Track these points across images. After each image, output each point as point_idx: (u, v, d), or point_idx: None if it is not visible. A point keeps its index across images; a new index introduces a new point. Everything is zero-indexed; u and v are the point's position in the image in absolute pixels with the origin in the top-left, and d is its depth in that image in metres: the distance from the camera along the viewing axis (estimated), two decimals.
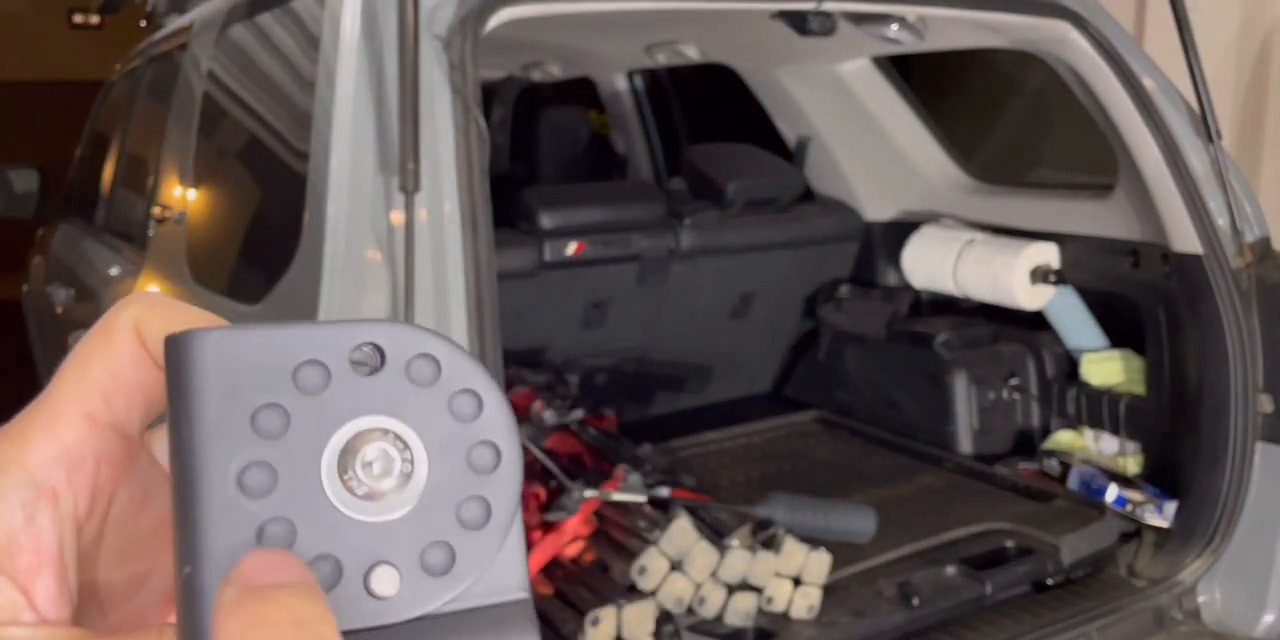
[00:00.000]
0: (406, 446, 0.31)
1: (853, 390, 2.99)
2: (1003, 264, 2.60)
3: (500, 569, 0.32)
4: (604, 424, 2.59)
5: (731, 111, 3.47)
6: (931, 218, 2.96)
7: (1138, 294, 2.39)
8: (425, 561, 0.31)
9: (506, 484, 0.32)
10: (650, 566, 1.90)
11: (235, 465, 0.30)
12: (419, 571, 0.31)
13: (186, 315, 0.35)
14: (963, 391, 2.69)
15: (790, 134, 3.26)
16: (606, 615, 1.81)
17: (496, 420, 0.32)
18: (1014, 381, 2.72)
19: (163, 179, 2.61)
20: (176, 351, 0.31)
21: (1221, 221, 2.18)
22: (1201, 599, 2.16)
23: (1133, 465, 2.44)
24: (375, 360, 0.32)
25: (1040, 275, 2.58)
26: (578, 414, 2.42)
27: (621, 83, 3.99)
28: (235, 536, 0.29)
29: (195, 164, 2.42)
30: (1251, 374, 2.12)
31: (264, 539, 0.30)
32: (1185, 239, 2.21)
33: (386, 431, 0.31)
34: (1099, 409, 2.52)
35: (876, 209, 3.14)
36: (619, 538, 2.04)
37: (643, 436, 2.52)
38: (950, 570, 2.08)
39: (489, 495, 0.32)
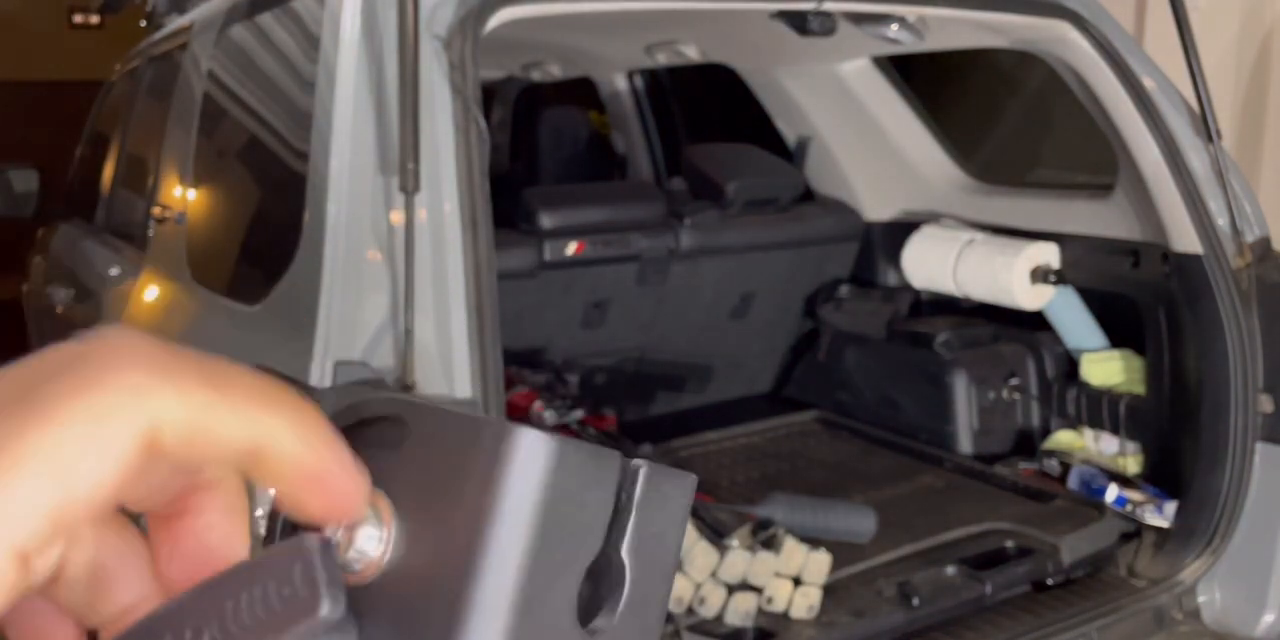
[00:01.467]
0: None
1: (853, 390, 2.99)
2: (1003, 264, 2.60)
3: None
4: (604, 424, 2.59)
5: (731, 111, 3.47)
6: (931, 218, 2.95)
7: (1138, 294, 2.39)
8: None
9: None
10: None
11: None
12: None
13: (215, 409, 0.28)
14: (963, 391, 2.69)
15: (790, 134, 3.25)
16: None
17: None
18: (1014, 381, 2.72)
19: (163, 179, 2.61)
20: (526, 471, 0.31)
21: (1221, 221, 2.18)
22: (1201, 599, 2.16)
23: (1133, 465, 2.44)
24: None
25: (1040, 275, 2.58)
26: (578, 414, 2.42)
27: (621, 83, 3.99)
28: None
29: (195, 164, 2.42)
30: (1251, 374, 2.11)
31: None
32: (1185, 239, 2.21)
33: None
34: (1099, 409, 2.52)
35: (876, 209, 3.14)
36: None
37: (643, 436, 2.52)
38: (950, 570, 2.08)
39: None
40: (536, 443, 0.31)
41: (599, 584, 0.33)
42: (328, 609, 0.29)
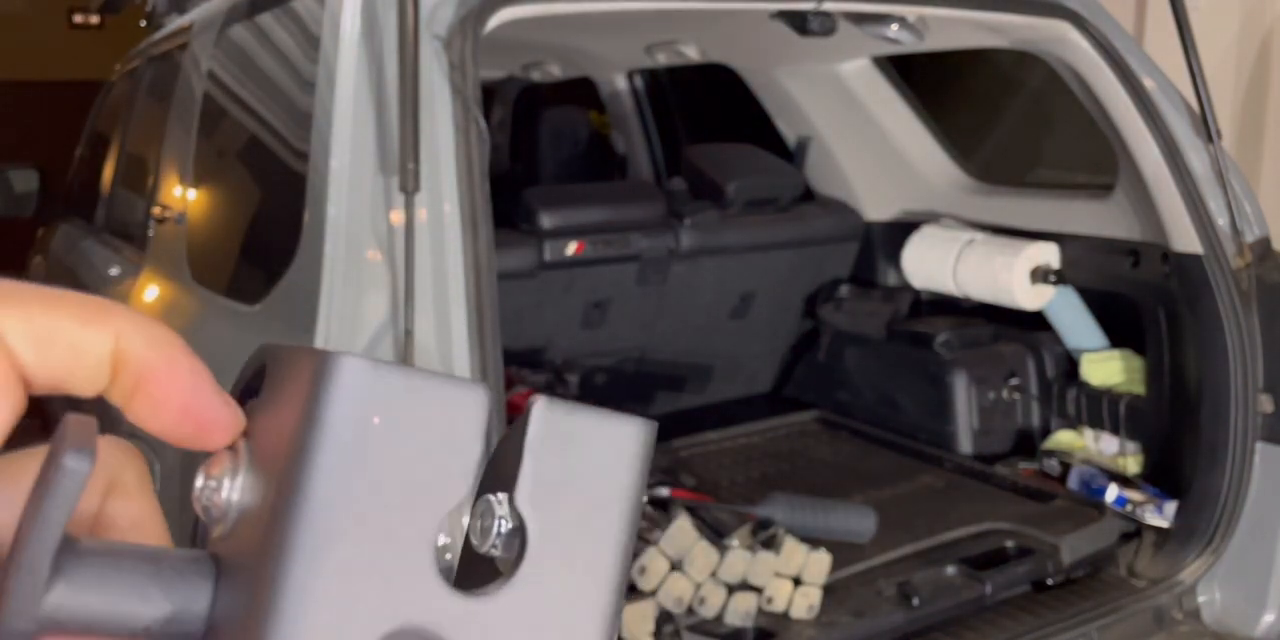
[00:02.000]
0: None
1: (853, 390, 2.99)
2: (1003, 264, 2.60)
3: None
4: None
5: (731, 111, 3.47)
6: (931, 218, 2.95)
7: (1138, 294, 2.39)
8: None
9: None
10: (650, 566, 1.90)
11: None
12: None
13: (58, 318, 0.31)
14: (963, 391, 2.69)
15: (790, 134, 3.26)
16: None
17: None
18: (1014, 381, 2.72)
19: (163, 179, 2.61)
20: None
21: (1221, 221, 2.18)
22: (1201, 599, 2.16)
23: (1133, 465, 2.44)
24: None
25: (1040, 275, 2.58)
26: None
27: (621, 83, 3.99)
28: None
29: (195, 164, 2.42)
30: (1251, 374, 2.11)
31: None
32: (1185, 239, 2.21)
33: None
34: (1099, 409, 2.52)
35: (876, 209, 3.14)
36: None
37: None
38: (950, 570, 2.08)
39: None
40: (353, 369, 0.27)
41: (507, 545, 0.29)
42: (71, 460, 0.26)
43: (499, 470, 0.30)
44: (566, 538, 0.29)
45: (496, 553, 0.29)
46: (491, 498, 0.29)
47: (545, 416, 0.29)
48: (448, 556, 0.28)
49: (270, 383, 0.31)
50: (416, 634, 0.27)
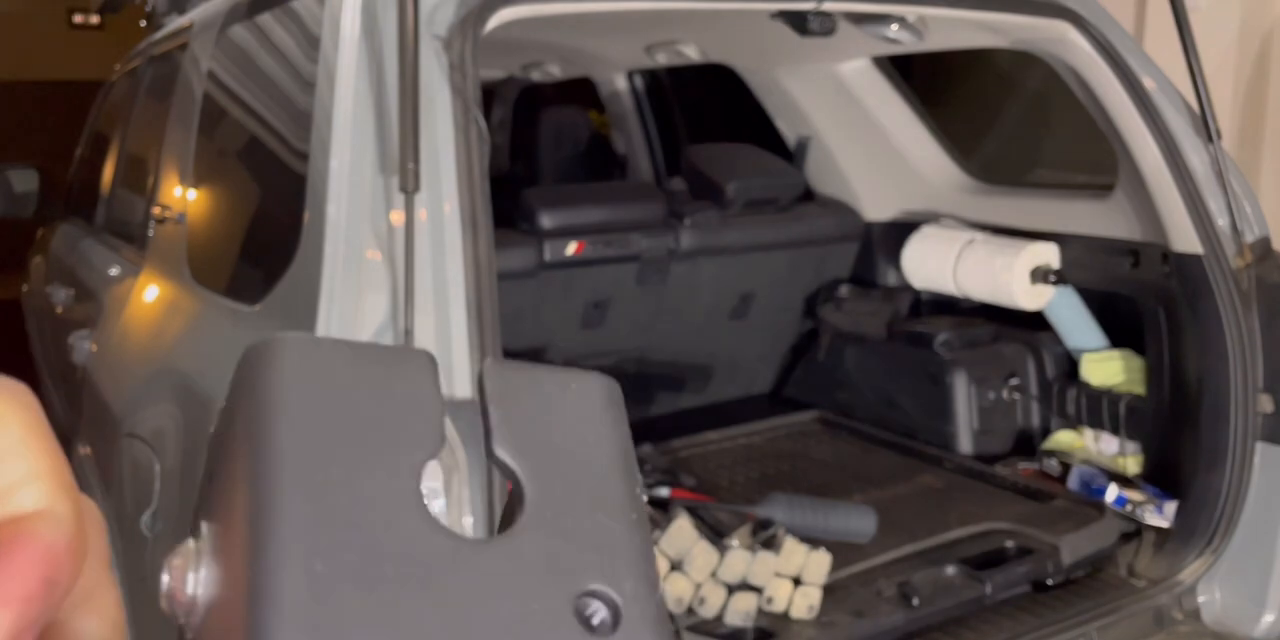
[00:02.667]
0: None
1: (853, 390, 2.99)
2: (1003, 264, 2.60)
3: None
4: None
5: (731, 111, 3.47)
6: (931, 218, 2.96)
7: (1138, 294, 2.39)
8: None
9: None
10: None
11: None
12: None
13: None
14: (963, 391, 2.69)
15: (790, 134, 3.26)
16: None
17: None
18: (1014, 381, 2.72)
19: (163, 179, 2.61)
20: None
21: (1221, 221, 2.18)
22: (1201, 599, 2.16)
23: (1133, 465, 2.44)
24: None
25: (1040, 275, 2.58)
26: None
27: (621, 83, 3.99)
28: None
29: (195, 164, 2.42)
30: (1251, 374, 2.11)
31: None
32: (1185, 239, 2.21)
33: None
34: (1099, 409, 2.52)
35: (876, 209, 3.14)
36: None
37: (643, 436, 2.52)
38: (950, 570, 2.08)
39: None
40: (285, 343, 0.27)
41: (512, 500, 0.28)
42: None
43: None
44: (564, 480, 0.28)
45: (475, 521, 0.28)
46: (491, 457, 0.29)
47: (497, 372, 0.29)
48: (439, 503, 0.28)
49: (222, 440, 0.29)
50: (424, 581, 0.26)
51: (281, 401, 0.26)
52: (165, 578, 0.29)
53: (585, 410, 0.30)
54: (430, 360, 0.29)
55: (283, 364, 0.27)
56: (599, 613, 0.26)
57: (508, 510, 0.28)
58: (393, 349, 0.29)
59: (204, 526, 0.29)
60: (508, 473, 0.28)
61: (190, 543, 0.29)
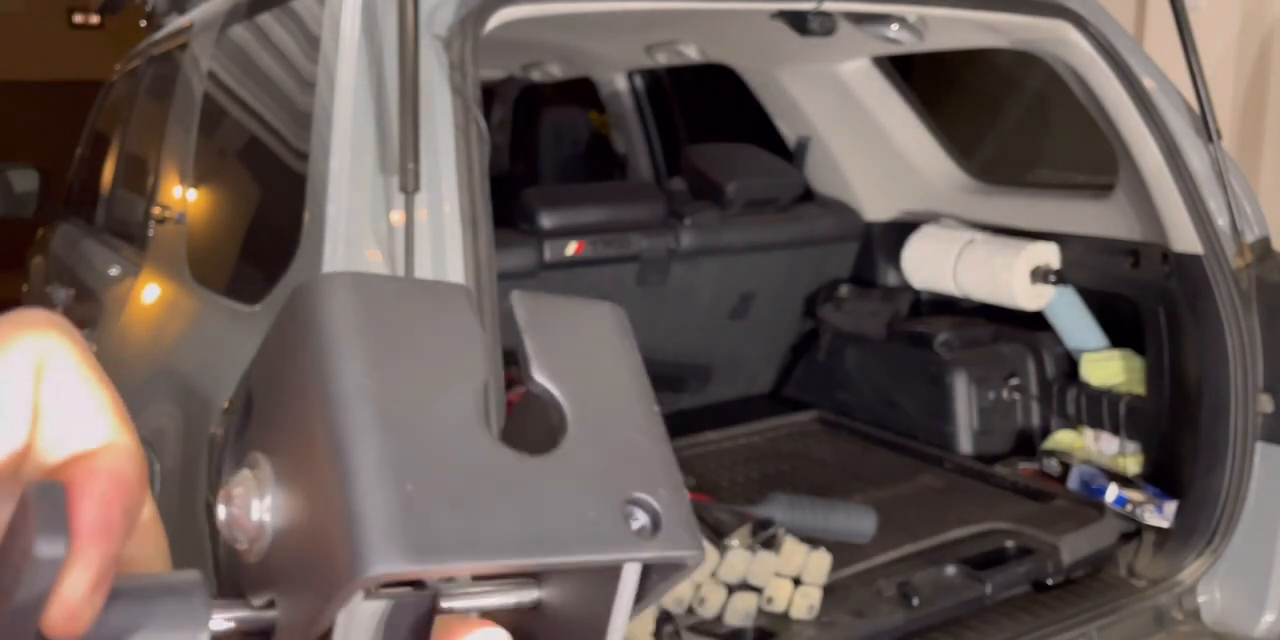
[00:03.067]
0: None
1: (853, 390, 2.99)
2: (1003, 264, 2.60)
3: None
4: None
5: (731, 111, 3.47)
6: (931, 218, 2.95)
7: (1138, 294, 2.39)
8: None
9: None
10: None
11: None
12: None
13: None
14: (963, 391, 2.69)
15: (790, 134, 3.25)
16: None
17: None
18: (1014, 381, 2.72)
19: (163, 179, 2.61)
20: None
21: (1221, 221, 2.18)
22: (1201, 599, 2.16)
23: (1133, 465, 2.44)
24: None
25: (1040, 275, 2.58)
26: None
27: (621, 83, 3.99)
28: None
29: (195, 164, 2.42)
30: (1251, 374, 2.11)
31: None
32: (1185, 239, 2.21)
33: None
34: (1099, 409, 2.52)
35: (876, 209, 3.14)
36: None
37: None
38: (950, 570, 2.08)
39: None
40: (343, 281, 0.29)
41: (548, 421, 0.31)
42: (43, 548, 0.26)
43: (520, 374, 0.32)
44: (595, 398, 0.31)
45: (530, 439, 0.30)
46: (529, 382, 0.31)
47: (525, 303, 0.32)
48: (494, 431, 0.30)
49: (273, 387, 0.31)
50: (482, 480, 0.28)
51: (350, 335, 0.28)
52: (224, 507, 0.31)
53: (602, 336, 0.32)
54: (468, 293, 0.31)
55: (343, 299, 0.29)
56: (640, 519, 0.29)
57: (549, 431, 0.30)
58: (432, 283, 0.31)
59: (261, 458, 0.30)
60: (547, 396, 0.30)
61: (247, 473, 0.31)
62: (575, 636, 0.31)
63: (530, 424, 0.31)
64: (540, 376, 0.31)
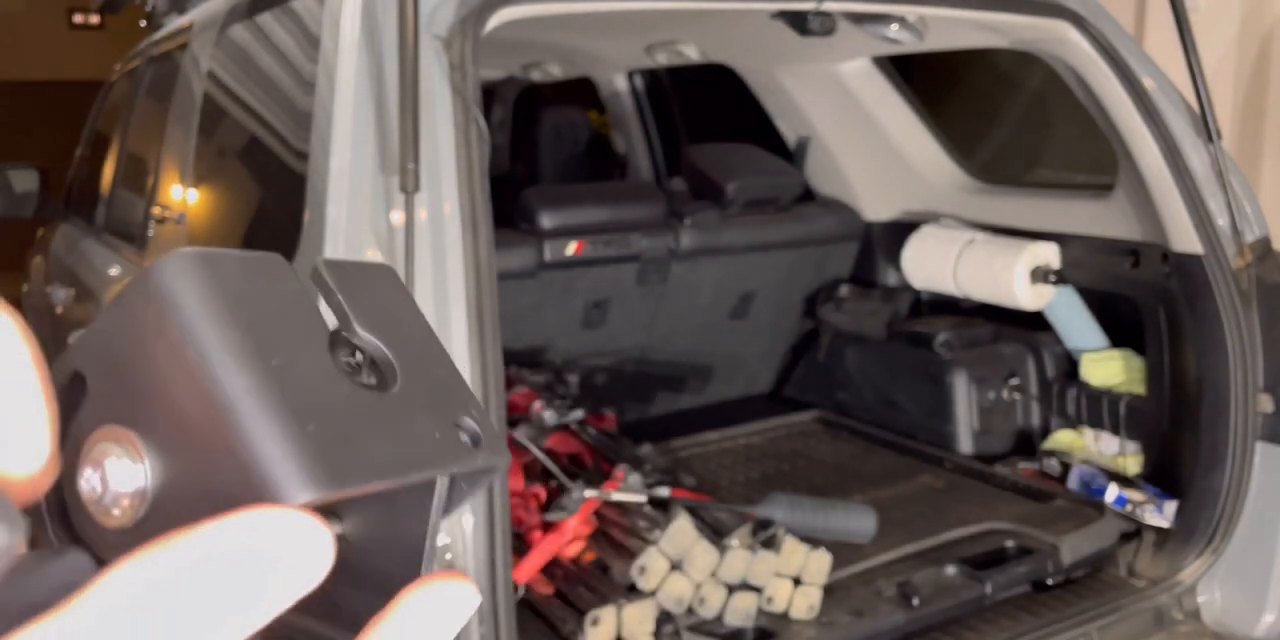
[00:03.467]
0: None
1: (853, 390, 2.99)
2: (1003, 264, 2.60)
3: None
4: (604, 424, 2.59)
5: (731, 111, 3.47)
6: (931, 218, 2.95)
7: (1138, 294, 2.39)
8: None
9: None
10: (650, 566, 1.90)
11: None
12: None
13: None
14: (963, 391, 2.69)
15: (790, 134, 3.25)
16: (606, 615, 1.81)
17: None
18: (1014, 381, 2.72)
19: (163, 179, 2.61)
20: None
21: (1221, 221, 2.18)
22: (1201, 599, 2.16)
23: (1133, 465, 2.44)
24: None
25: (1040, 275, 2.58)
26: (578, 414, 2.42)
27: (621, 83, 3.99)
28: None
29: (195, 164, 2.43)
30: (1251, 374, 2.11)
31: None
32: (1185, 239, 2.21)
33: None
34: (1099, 409, 2.52)
35: (876, 209, 3.14)
36: (619, 538, 2.04)
37: (643, 436, 2.52)
38: (950, 570, 2.08)
39: None
40: (188, 257, 0.32)
41: (383, 371, 0.35)
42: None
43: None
44: (410, 344, 0.36)
45: (372, 382, 0.34)
46: (349, 340, 0.35)
47: (332, 269, 0.36)
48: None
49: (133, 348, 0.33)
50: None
51: (215, 306, 0.31)
52: (98, 479, 0.32)
53: (393, 292, 0.38)
54: (280, 259, 0.35)
55: (199, 274, 0.32)
56: (464, 437, 0.35)
57: (380, 376, 0.35)
58: (256, 254, 0.34)
59: (121, 430, 0.32)
60: (372, 347, 0.35)
61: (109, 445, 0.32)
62: (388, 558, 0.35)
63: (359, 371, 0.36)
64: (364, 331, 0.35)
